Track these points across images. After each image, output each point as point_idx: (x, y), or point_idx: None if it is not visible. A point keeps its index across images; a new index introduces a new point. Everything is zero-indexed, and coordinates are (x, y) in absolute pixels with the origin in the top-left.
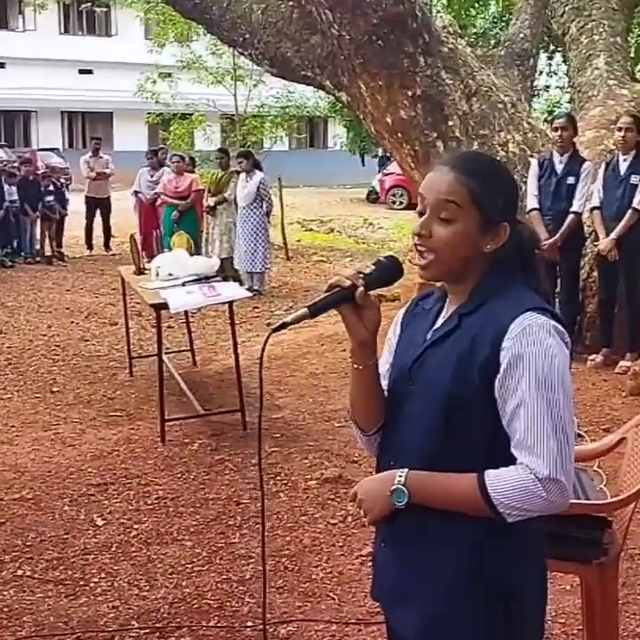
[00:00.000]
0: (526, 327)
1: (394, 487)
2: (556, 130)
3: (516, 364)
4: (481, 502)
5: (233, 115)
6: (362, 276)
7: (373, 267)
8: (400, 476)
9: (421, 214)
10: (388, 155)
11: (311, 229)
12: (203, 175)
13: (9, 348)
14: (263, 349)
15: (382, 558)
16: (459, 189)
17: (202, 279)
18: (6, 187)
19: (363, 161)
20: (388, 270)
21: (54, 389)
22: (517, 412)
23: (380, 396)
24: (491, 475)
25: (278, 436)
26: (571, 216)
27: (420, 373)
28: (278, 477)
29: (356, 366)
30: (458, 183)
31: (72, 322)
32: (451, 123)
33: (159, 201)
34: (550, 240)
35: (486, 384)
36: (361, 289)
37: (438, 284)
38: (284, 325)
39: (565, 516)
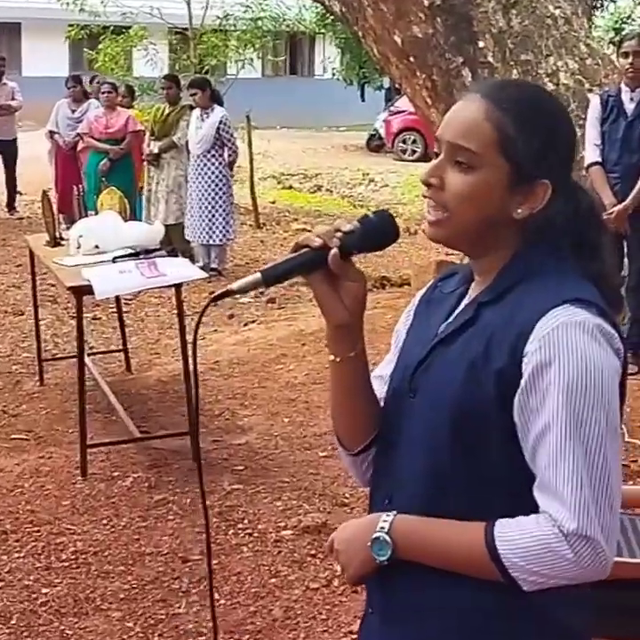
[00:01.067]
0: (559, 326)
1: (374, 535)
2: (625, 55)
3: (542, 376)
4: (488, 563)
5: (185, 29)
6: (339, 234)
7: (357, 224)
8: (385, 522)
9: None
10: (397, 87)
11: (291, 187)
12: (143, 111)
13: None
14: (196, 331)
15: (367, 629)
16: (484, 125)
17: (140, 254)
18: None
19: (362, 94)
20: (377, 229)
21: None
22: (541, 440)
23: (368, 401)
24: (503, 525)
25: (241, 468)
26: None
27: (424, 381)
28: (240, 525)
29: (332, 357)
30: (485, 117)
31: None
32: (481, 43)
33: (82, 145)
34: (618, 206)
35: (504, 401)
36: (334, 251)
37: (465, 260)
38: (228, 293)
39: (613, 580)
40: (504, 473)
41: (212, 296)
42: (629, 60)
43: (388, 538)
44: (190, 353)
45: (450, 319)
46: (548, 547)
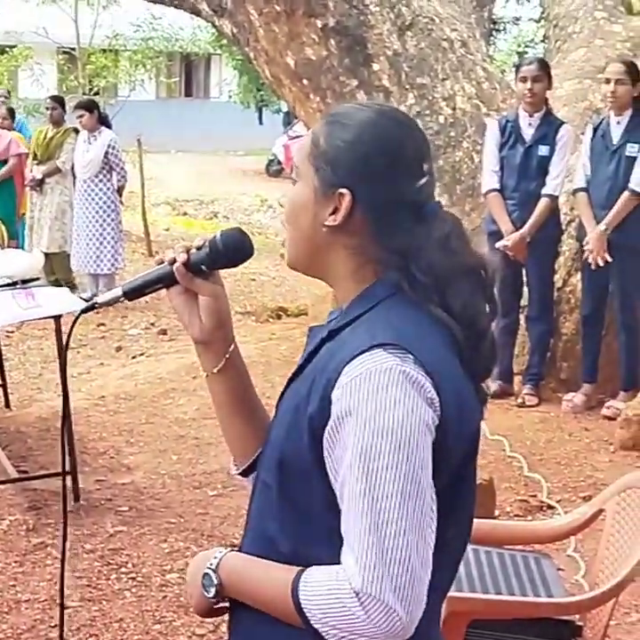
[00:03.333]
0: (362, 374)
1: (204, 571)
2: (523, 80)
3: (342, 426)
4: (293, 611)
5: (73, 49)
6: (186, 250)
7: (207, 240)
8: (215, 558)
9: None
10: (287, 111)
11: (186, 214)
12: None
13: None
14: (65, 356)
15: None
16: (307, 140)
17: (16, 283)
18: None
19: (260, 118)
20: (226, 245)
21: None
22: (342, 491)
23: (246, 418)
24: (310, 574)
25: (126, 509)
26: (543, 200)
27: (273, 422)
28: (123, 569)
29: (202, 373)
30: (311, 133)
31: None
32: (376, 66)
33: None
34: (515, 234)
35: (316, 448)
36: (176, 265)
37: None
38: (93, 306)
39: (518, 619)
40: (325, 519)
41: (80, 310)
42: (528, 85)
43: (212, 575)
44: (75, 388)
45: (305, 354)
46: (341, 601)
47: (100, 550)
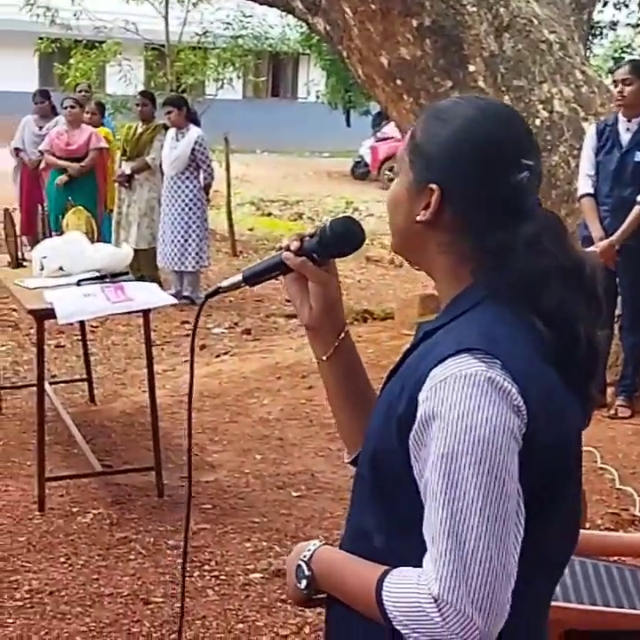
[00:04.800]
0: (447, 378)
1: (297, 562)
2: (615, 84)
3: (426, 430)
4: (376, 610)
5: (162, 45)
6: (299, 237)
7: (319, 228)
8: (308, 550)
9: None
10: (379, 111)
11: (270, 214)
12: (117, 130)
13: None
14: (193, 340)
15: None
16: (408, 134)
17: (106, 277)
18: None
19: (348, 119)
20: (336, 233)
21: None
22: (425, 495)
23: (355, 406)
24: (394, 575)
25: (209, 507)
26: (637, 207)
27: (373, 412)
28: (206, 567)
29: (315, 359)
30: (412, 127)
31: None
32: (472, 67)
33: (43, 163)
34: (604, 242)
35: (405, 448)
36: (286, 253)
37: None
38: (217, 291)
39: (614, 631)
40: (414, 517)
41: (206, 293)
42: (619, 88)
43: (305, 567)
44: (160, 385)
45: (404, 351)
46: (420, 606)
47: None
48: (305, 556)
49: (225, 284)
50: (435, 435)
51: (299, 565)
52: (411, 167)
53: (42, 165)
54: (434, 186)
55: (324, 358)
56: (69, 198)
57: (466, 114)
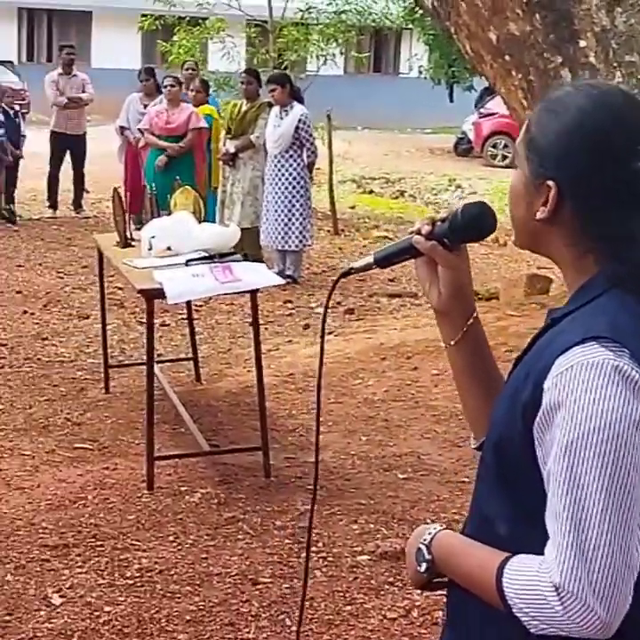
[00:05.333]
0: (573, 366)
1: (417, 545)
2: None
3: (552, 418)
4: (496, 596)
5: (265, 21)
6: (430, 221)
7: (451, 213)
8: (428, 534)
9: None
10: (490, 87)
11: (372, 192)
12: (221, 107)
13: None
14: (323, 326)
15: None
16: (524, 126)
17: (214, 257)
18: None
19: (451, 95)
20: (469, 219)
21: None
22: (548, 482)
23: (483, 391)
24: (515, 562)
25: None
26: None
27: (499, 398)
28: (314, 548)
29: (443, 344)
30: (528, 119)
31: (25, 312)
32: (582, 43)
33: (141, 142)
34: None
35: (529, 435)
36: (416, 237)
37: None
38: (350, 272)
39: None
40: (539, 505)
41: (340, 273)
42: None
43: (425, 550)
44: (264, 365)
45: (532, 338)
46: (541, 594)
47: (291, 528)
48: (425, 540)
49: (357, 265)
50: (559, 423)
51: (419, 549)
52: (527, 162)
53: (140, 144)
54: (551, 183)
55: (452, 343)
56: (177, 178)
57: (577, 104)
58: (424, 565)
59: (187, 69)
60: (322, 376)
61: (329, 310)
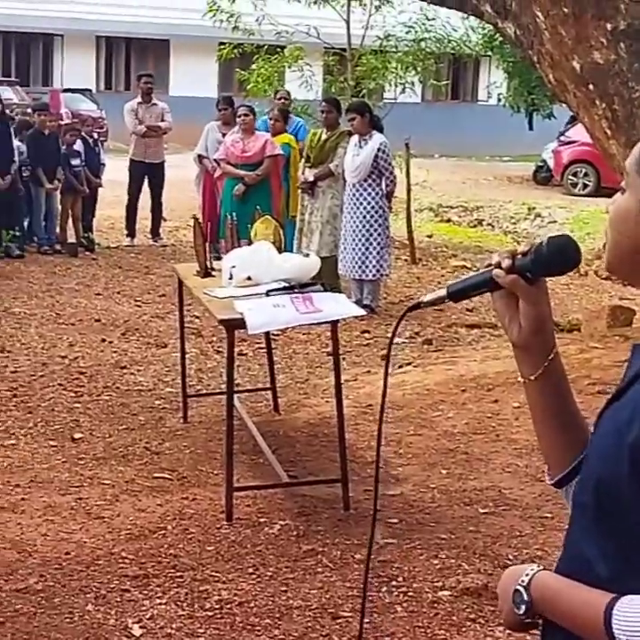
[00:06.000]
0: None
1: (515, 587)
2: None
3: None
4: (603, 637)
5: (343, 49)
6: (510, 254)
7: (534, 245)
8: (526, 575)
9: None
10: (573, 115)
11: (449, 220)
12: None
13: (14, 372)
14: (388, 358)
15: None
16: (636, 149)
17: (295, 287)
18: (17, 142)
19: (531, 122)
20: (552, 252)
21: (76, 436)
22: None
23: (562, 427)
24: (625, 603)
25: (395, 521)
26: None
27: (592, 441)
28: (394, 583)
29: (520, 379)
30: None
31: (103, 340)
32: None
33: (219, 171)
34: None
35: (637, 476)
36: (496, 271)
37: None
38: (419, 305)
39: None
40: None
41: (406, 308)
42: None
43: (523, 592)
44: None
45: (628, 375)
46: None
47: (370, 561)
48: (523, 581)
49: (426, 299)
50: None
51: (516, 590)
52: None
53: (216, 174)
54: None
55: (532, 378)
56: (258, 207)
57: None
58: (523, 607)
59: (279, 98)
60: (384, 409)
61: (407, 341)
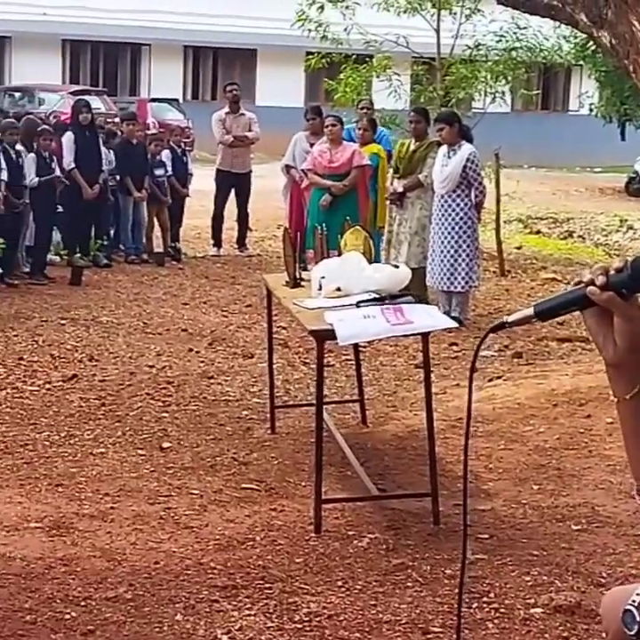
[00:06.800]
0: None
1: (625, 607)
2: None
3: None
4: None
5: (432, 59)
6: (604, 271)
7: (629, 262)
8: (638, 594)
9: None
10: None
11: (539, 232)
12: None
13: (103, 381)
14: (471, 379)
15: None
16: None
17: (385, 299)
18: (105, 151)
19: (623, 133)
20: None
21: (165, 445)
22: None
23: None
24: None
25: (485, 537)
26: None
27: None
28: (485, 599)
29: (612, 398)
30: None
31: (190, 350)
32: None
33: (306, 182)
34: None
35: None
36: (591, 288)
37: None
38: (503, 325)
39: None
40: None
41: (490, 327)
42: None
43: (635, 612)
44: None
45: None
46: None
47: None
48: (634, 602)
49: (511, 319)
50: None
51: (627, 611)
52: None
53: (304, 184)
54: None
55: (628, 397)
56: (348, 218)
57: None
58: (636, 627)
59: (362, 108)
60: (470, 423)
61: (496, 354)
